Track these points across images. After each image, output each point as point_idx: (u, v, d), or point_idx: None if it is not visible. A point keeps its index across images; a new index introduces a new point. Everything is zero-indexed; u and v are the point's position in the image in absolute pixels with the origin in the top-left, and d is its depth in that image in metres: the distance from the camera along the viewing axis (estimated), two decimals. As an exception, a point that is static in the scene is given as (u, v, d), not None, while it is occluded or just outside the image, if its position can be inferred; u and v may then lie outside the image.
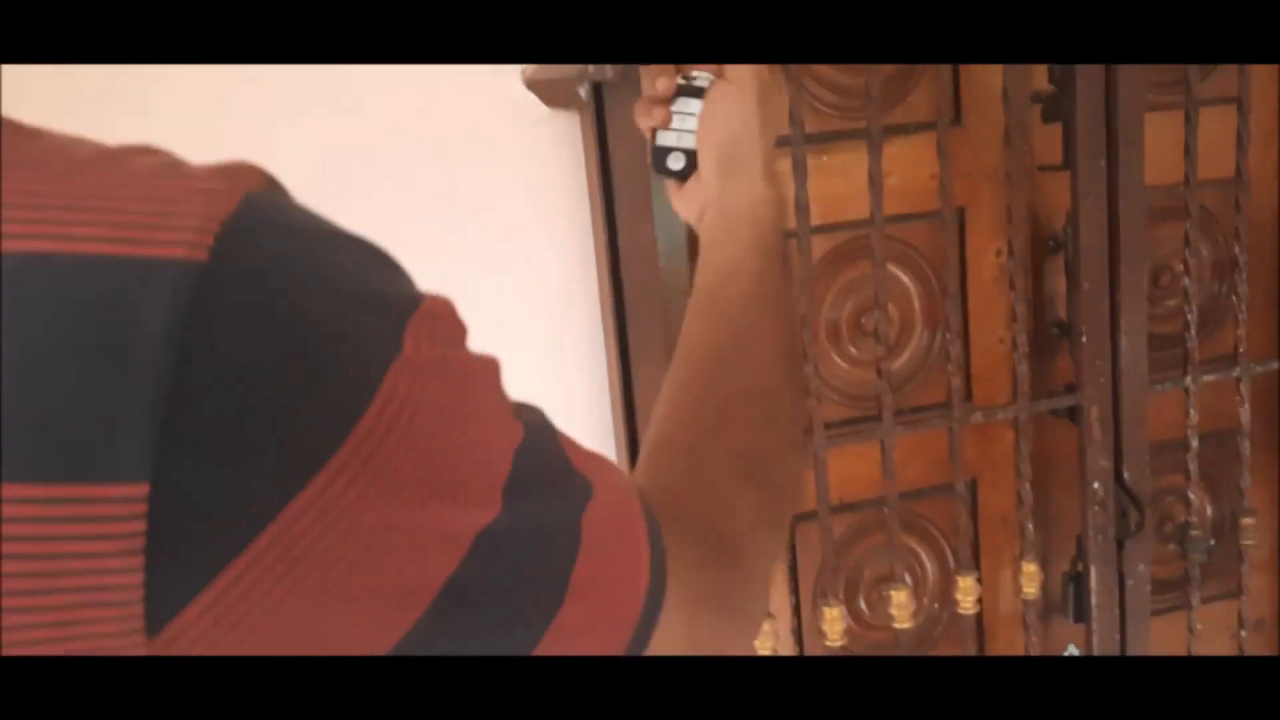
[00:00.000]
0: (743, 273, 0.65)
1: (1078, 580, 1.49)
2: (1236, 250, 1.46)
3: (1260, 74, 1.61)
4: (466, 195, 1.32)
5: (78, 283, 0.28)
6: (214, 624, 0.30)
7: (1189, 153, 1.42)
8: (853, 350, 1.54)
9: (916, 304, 1.55)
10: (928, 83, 1.50)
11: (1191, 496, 1.49)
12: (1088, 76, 1.35)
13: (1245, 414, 1.49)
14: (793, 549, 1.55)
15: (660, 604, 0.42)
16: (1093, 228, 1.38)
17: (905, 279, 1.54)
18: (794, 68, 1.26)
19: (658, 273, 1.25)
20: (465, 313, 0.39)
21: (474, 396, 0.38)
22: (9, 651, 0.28)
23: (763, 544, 0.51)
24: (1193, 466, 1.48)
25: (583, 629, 0.40)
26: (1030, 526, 1.43)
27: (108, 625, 0.29)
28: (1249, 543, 1.53)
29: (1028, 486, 1.41)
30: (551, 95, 1.28)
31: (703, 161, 0.79)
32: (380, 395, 0.32)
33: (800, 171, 1.27)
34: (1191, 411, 1.47)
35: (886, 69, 1.47)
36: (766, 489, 0.53)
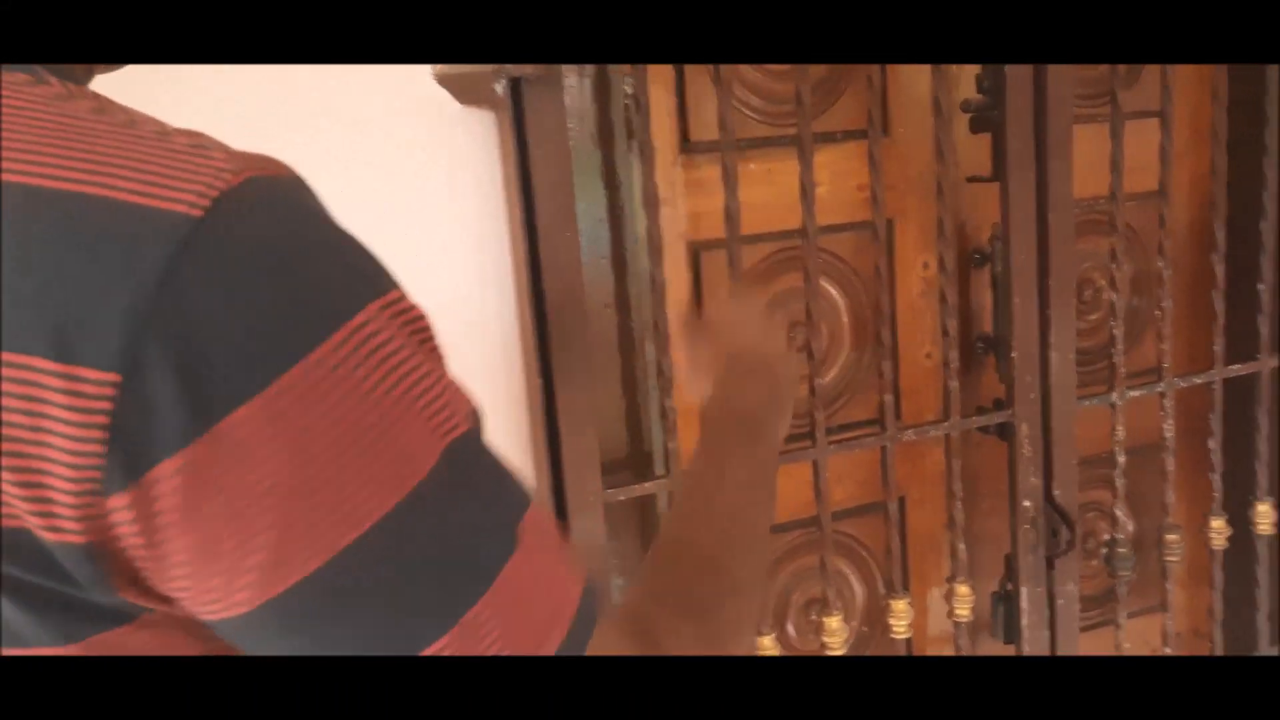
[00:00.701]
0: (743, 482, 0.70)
1: (1008, 600, 1.46)
2: (1161, 265, 1.45)
3: (1178, 87, 1.62)
4: (370, 199, 1.21)
5: (102, 215, 0.37)
6: (153, 503, 0.37)
7: (1115, 166, 1.40)
8: (779, 366, 1.49)
9: (844, 318, 1.51)
10: (855, 90, 1.45)
11: (1119, 513, 1.47)
12: (1017, 85, 1.32)
13: (1170, 428, 1.48)
14: (719, 575, 1.49)
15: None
16: (1023, 241, 1.35)
17: (833, 292, 1.49)
18: (725, 73, 1.20)
19: (581, 285, 1.17)
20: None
21: (433, 366, 0.43)
22: None
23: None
24: (1120, 483, 1.46)
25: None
26: (962, 546, 1.39)
27: (67, 484, 0.36)
28: (1173, 558, 1.52)
29: (959, 506, 1.37)
30: (465, 91, 1.20)
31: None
32: (345, 328, 0.39)
33: (731, 179, 1.21)
34: (1118, 427, 1.45)
35: (815, 74, 1.42)
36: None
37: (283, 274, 0.39)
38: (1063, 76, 1.33)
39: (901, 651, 1.43)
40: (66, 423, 0.36)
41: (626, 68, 1.26)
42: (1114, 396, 1.44)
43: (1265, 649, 1.61)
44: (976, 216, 1.53)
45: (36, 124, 0.39)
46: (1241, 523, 1.55)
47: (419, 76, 1.18)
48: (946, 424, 1.35)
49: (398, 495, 0.40)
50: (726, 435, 0.74)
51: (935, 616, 1.61)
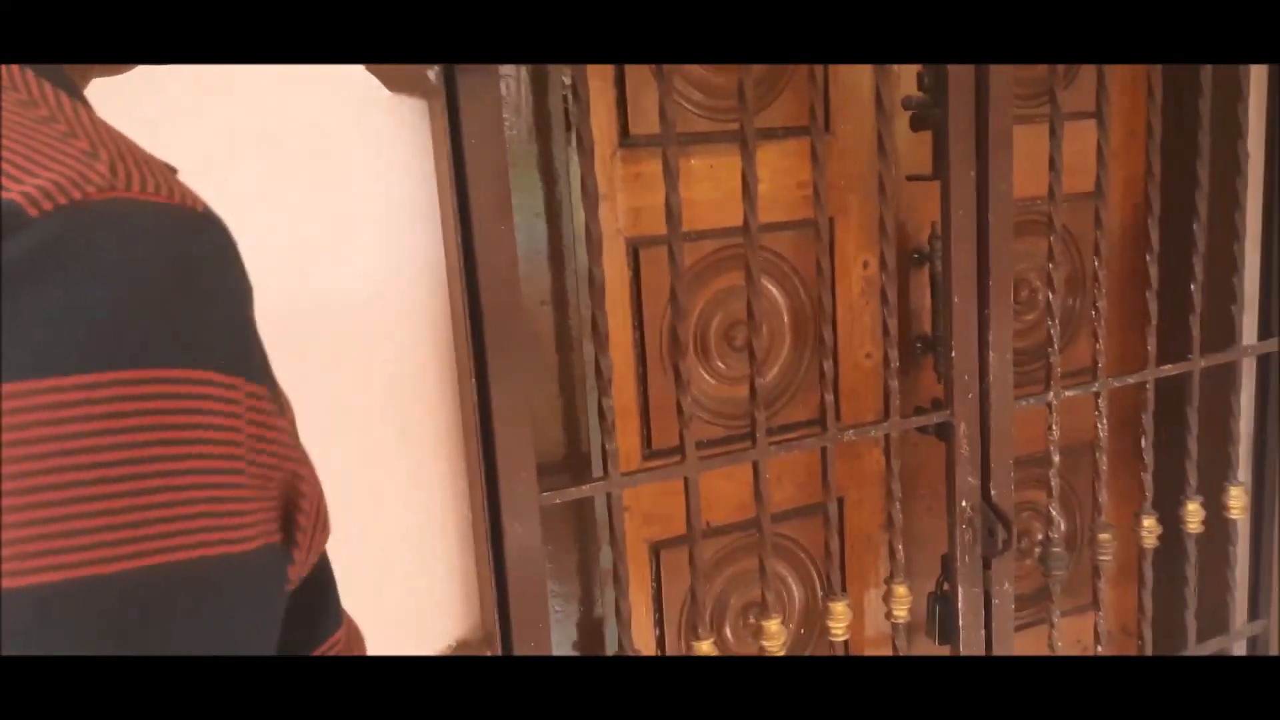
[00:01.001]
0: None
1: (944, 601, 1.45)
2: (1096, 265, 1.45)
3: (1113, 88, 1.63)
4: (295, 189, 1.16)
5: None
6: None
7: (1054, 165, 1.40)
8: (720, 366, 1.46)
9: (785, 317, 1.49)
10: (795, 86, 1.43)
11: (1053, 513, 1.47)
12: (958, 84, 1.31)
13: (1103, 428, 1.49)
14: (657, 579, 1.46)
15: None
16: (963, 240, 1.34)
17: (773, 291, 1.47)
18: (667, 68, 1.16)
19: (517, 281, 1.13)
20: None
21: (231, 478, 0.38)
22: None
23: None
24: (1055, 482, 1.47)
25: None
26: (900, 547, 1.38)
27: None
28: (1105, 557, 1.53)
29: (898, 506, 1.36)
30: (395, 78, 1.15)
31: None
32: (121, 373, 0.34)
33: (672, 174, 1.17)
34: (1054, 427, 1.45)
35: (756, 69, 1.40)
36: None
37: (84, 287, 0.34)
38: (1004, 75, 1.32)
39: (840, 654, 1.42)
40: None
41: (565, 57, 1.22)
42: (1050, 396, 1.44)
43: (1193, 646, 1.63)
44: (916, 216, 1.52)
45: None
46: (1171, 521, 1.57)
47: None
48: (886, 424, 1.34)
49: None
50: None
51: (873, 618, 1.61)
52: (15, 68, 0.40)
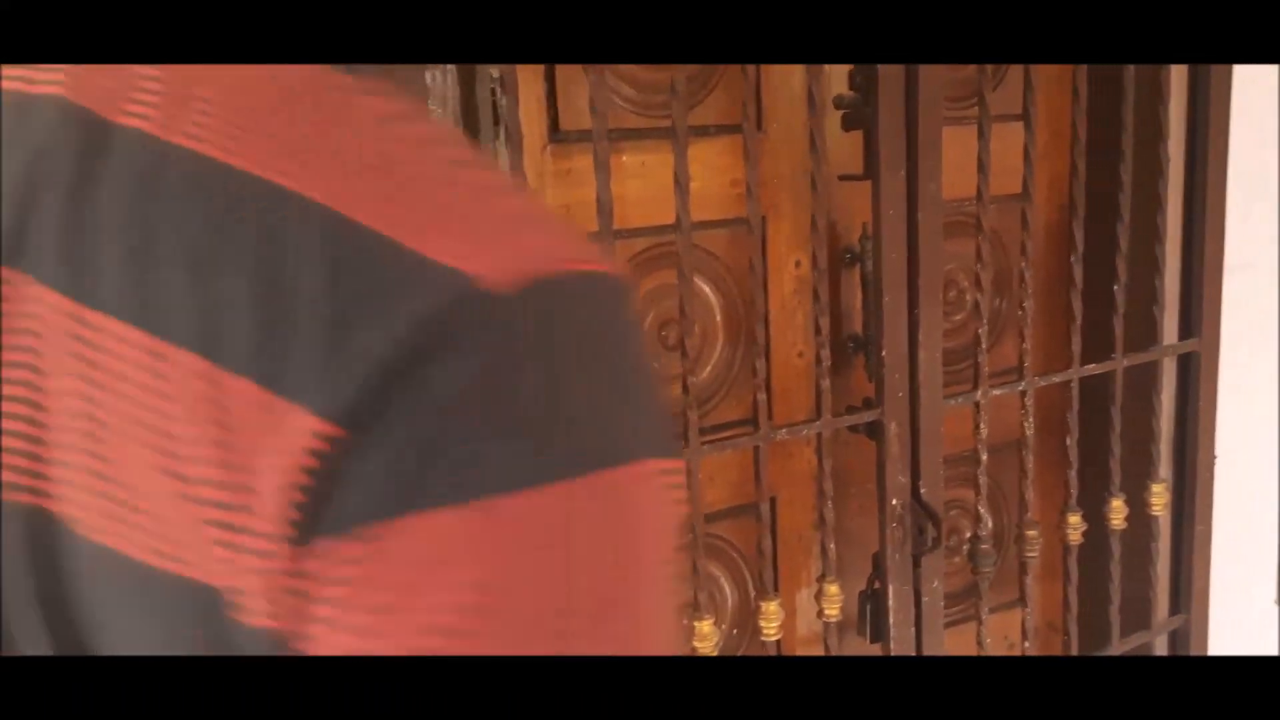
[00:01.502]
0: None
1: (875, 599, 1.46)
2: (1023, 266, 1.47)
3: (1039, 89, 1.65)
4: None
5: (376, 253, 0.31)
6: (320, 571, 0.30)
7: (982, 166, 1.41)
8: (654, 365, 1.45)
9: (718, 316, 1.48)
10: (727, 84, 1.43)
11: (981, 511, 1.49)
12: (889, 84, 1.32)
13: (1030, 427, 1.51)
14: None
15: None
16: (894, 239, 1.35)
17: (706, 289, 1.47)
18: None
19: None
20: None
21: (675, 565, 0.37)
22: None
23: None
24: (983, 480, 1.48)
25: None
26: (832, 546, 1.38)
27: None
28: (1032, 554, 1.55)
29: (830, 505, 1.36)
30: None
31: None
32: (600, 475, 0.32)
33: (603, 170, 1.16)
34: (981, 425, 1.46)
35: (690, 65, 1.39)
36: None
37: (565, 385, 0.32)
38: (934, 77, 1.33)
39: (772, 654, 1.41)
40: (282, 472, 0.30)
41: (494, 51, 1.20)
42: (978, 395, 1.45)
43: (1117, 641, 1.66)
44: (847, 215, 1.52)
45: (358, 146, 0.34)
46: (1096, 518, 1.60)
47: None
48: (818, 423, 1.34)
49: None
50: None
51: (805, 617, 1.61)
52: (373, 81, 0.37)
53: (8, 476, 0.32)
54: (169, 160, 0.33)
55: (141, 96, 0.34)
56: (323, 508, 0.30)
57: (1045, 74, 1.64)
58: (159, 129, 0.33)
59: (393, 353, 0.30)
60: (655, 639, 0.35)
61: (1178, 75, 1.60)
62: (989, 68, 1.39)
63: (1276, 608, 1.96)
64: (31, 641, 0.33)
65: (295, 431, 0.30)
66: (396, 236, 0.31)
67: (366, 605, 0.30)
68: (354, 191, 0.32)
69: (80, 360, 0.31)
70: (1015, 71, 1.59)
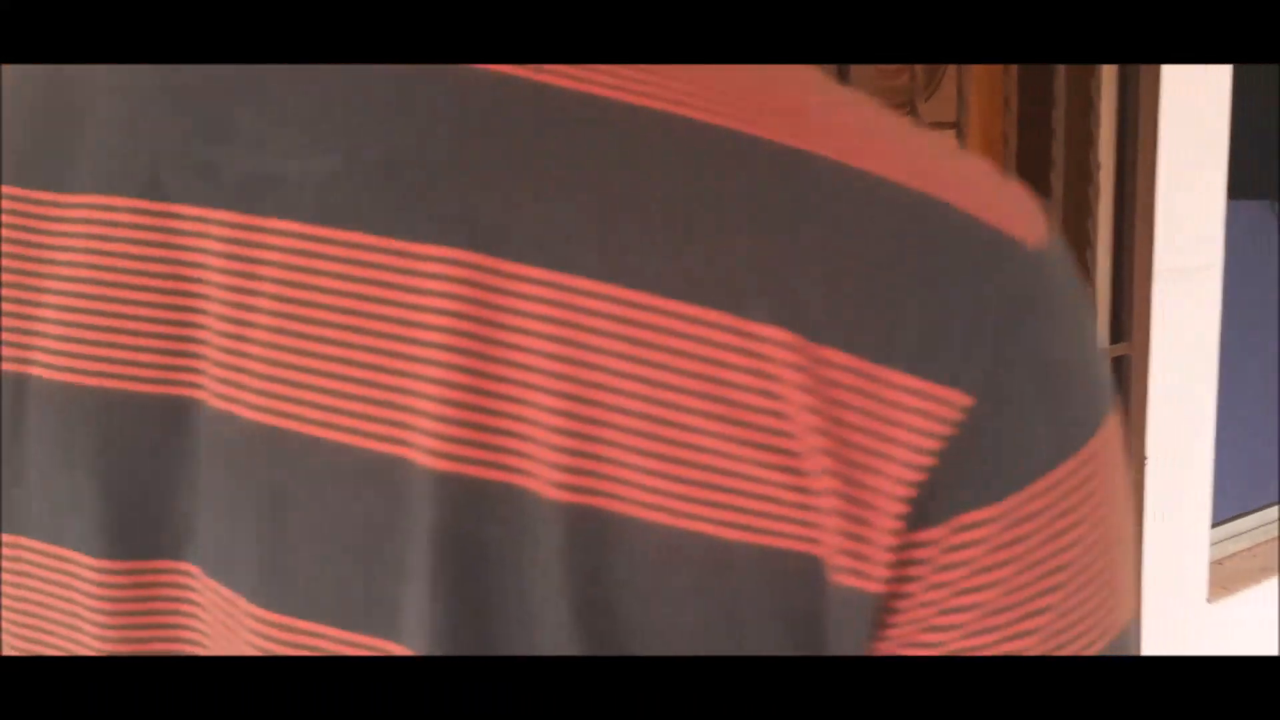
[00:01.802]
0: None
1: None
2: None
3: (973, 98, 1.68)
4: None
5: (952, 223, 0.31)
6: (952, 550, 0.31)
7: (915, 173, 1.44)
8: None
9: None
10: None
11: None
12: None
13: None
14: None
15: None
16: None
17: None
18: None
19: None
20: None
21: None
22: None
23: None
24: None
25: None
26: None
27: (887, 518, 0.30)
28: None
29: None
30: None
31: None
32: (1108, 419, 0.34)
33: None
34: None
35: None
36: None
37: (1089, 331, 0.35)
38: (863, 87, 1.35)
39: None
40: (906, 446, 0.30)
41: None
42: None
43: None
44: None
45: (833, 102, 0.34)
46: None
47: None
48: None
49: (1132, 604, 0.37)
50: None
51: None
52: None
53: (563, 477, 0.30)
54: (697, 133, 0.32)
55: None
56: (950, 476, 0.30)
57: (978, 84, 1.68)
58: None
59: (994, 318, 0.30)
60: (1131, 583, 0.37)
61: (1108, 82, 1.64)
62: (921, 78, 1.42)
63: (1207, 606, 2.02)
64: (559, 649, 0.33)
65: (915, 397, 0.30)
66: (939, 196, 0.31)
67: (986, 580, 0.32)
68: (878, 153, 0.32)
69: (633, 343, 0.30)
70: (949, 81, 1.62)
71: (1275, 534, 2.37)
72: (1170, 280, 1.78)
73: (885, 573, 0.31)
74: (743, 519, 0.31)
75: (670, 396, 0.30)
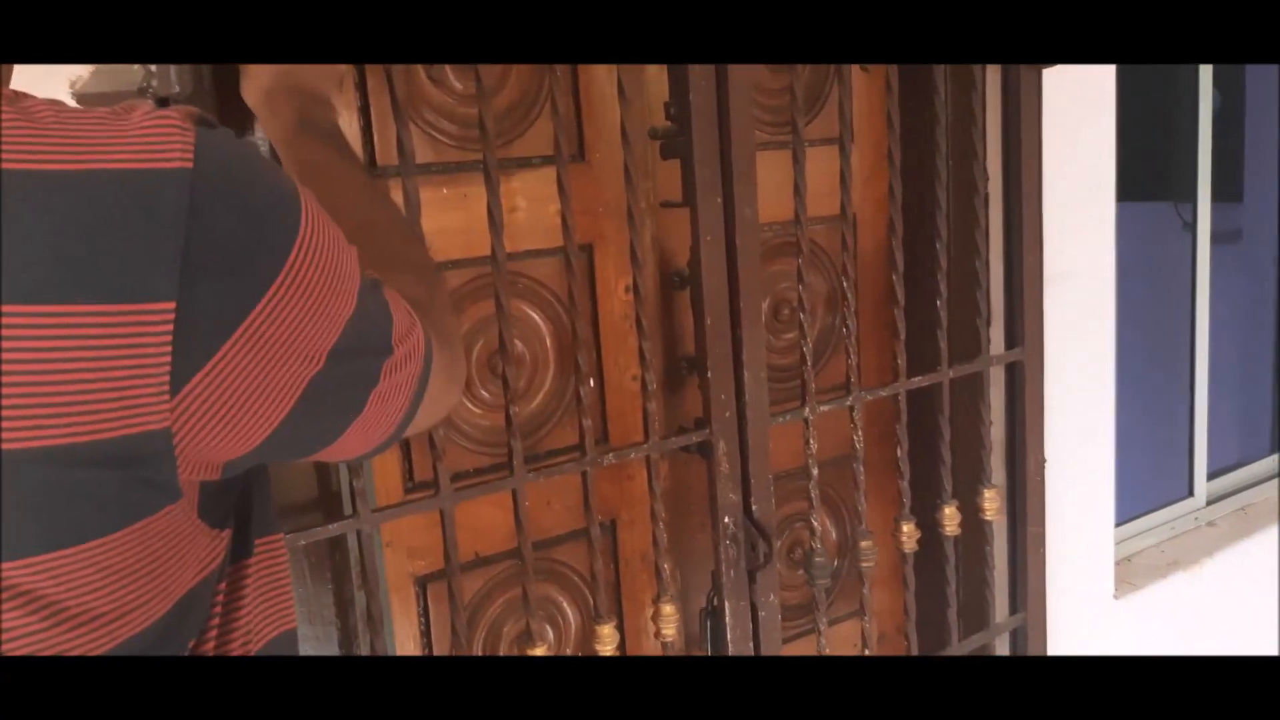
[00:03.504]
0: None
1: (713, 616, 1.49)
2: (845, 285, 1.52)
3: (859, 117, 1.71)
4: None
5: (124, 182, 0.48)
6: (209, 388, 0.51)
7: (798, 191, 1.46)
8: (484, 394, 1.46)
9: (549, 342, 1.50)
10: (549, 115, 1.45)
11: (814, 523, 1.53)
12: (702, 114, 1.35)
13: (859, 440, 1.56)
14: (424, 612, 1.44)
15: (431, 360, 0.67)
16: (713, 264, 1.38)
17: (536, 317, 1.49)
18: (403, 98, 1.16)
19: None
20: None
21: (344, 265, 0.58)
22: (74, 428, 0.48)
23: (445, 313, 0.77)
24: (814, 493, 1.52)
25: (392, 390, 0.63)
26: (667, 567, 1.40)
27: (147, 393, 0.49)
28: (868, 563, 1.59)
29: (662, 527, 1.39)
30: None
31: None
32: (299, 239, 0.54)
33: (413, 207, 1.17)
34: (811, 441, 1.51)
35: (506, 99, 1.41)
36: (429, 285, 0.76)
37: (262, 186, 0.53)
38: (745, 105, 1.37)
39: (613, 675, 1.43)
40: (144, 346, 0.48)
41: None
42: (805, 411, 1.50)
43: (957, 643, 1.72)
44: (677, 238, 1.56)
45: (17, 120, 0.48)
46: (930, 525, 1.65)
47: (55, 91, 1.09)
48: (646, 445, 1.37)
49: (350, 307, 0.57)
50: (322, 149, 0.85)
51: (650, 638, 1.63)
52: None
53: None
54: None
55: None
56: (181, 353, 0.50)
57: (861, 101, 1.71)
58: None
59: (169, 235, 0.48)
60: None
61: (992, 93, 1.68)
62: (800, 99, 1.44)
63: (1114, 603, 2.05)
64: None
65: (129, 316, 0.48)
66: (95, 167, 0.48)
67: (238, 389, 0.53)
68: (56, 154, 0.48)
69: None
70: (832, 100, 1.65)
71: (1188, 526, 2.43)
72: (1062, 285, 1.82)
73: (159, 418, 0.49)
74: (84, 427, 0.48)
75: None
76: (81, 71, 1.03)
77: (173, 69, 0.99)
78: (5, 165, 0.46)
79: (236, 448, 0.54)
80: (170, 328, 0.48)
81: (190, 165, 0.48)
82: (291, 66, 0.89)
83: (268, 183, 0.53)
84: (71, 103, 1.09)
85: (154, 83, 0.99)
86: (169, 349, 0.48)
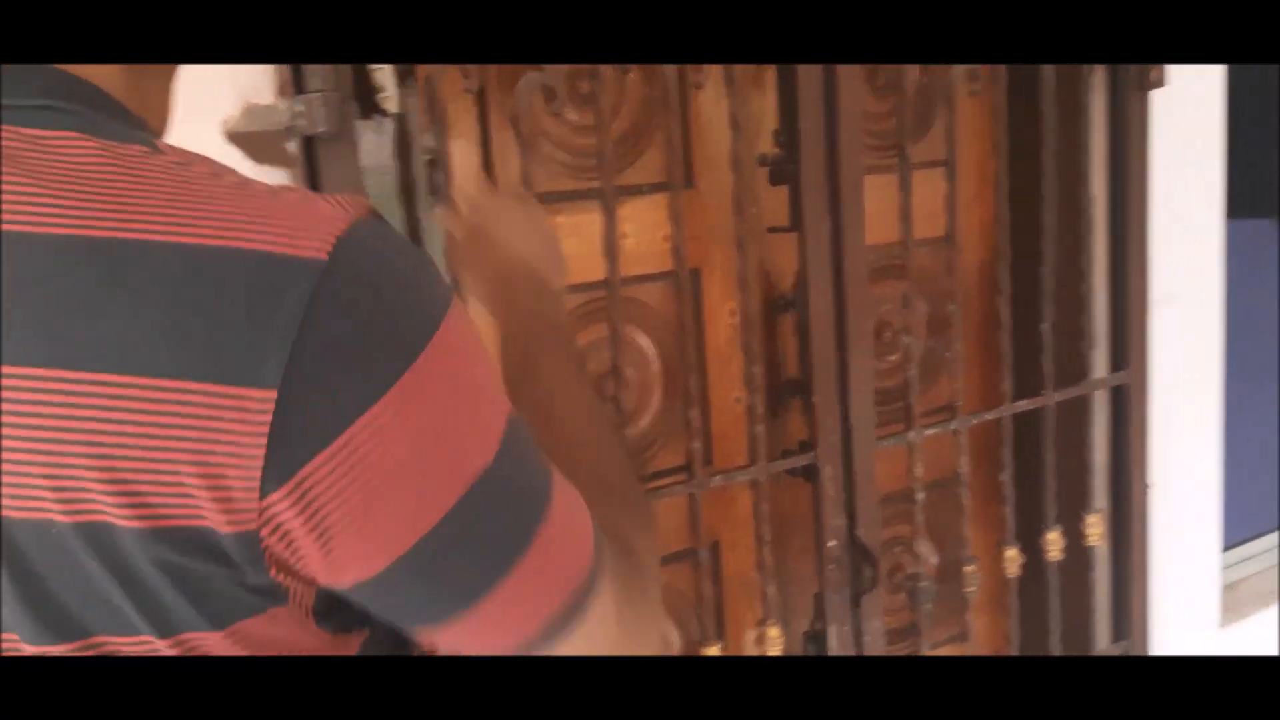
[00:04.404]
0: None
1: (818, 640, 1.50)
2: (951, 309, 1.52)
3: (965, 138, 1.71)
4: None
5: (257, 263, 0.45)
6: (310, 490, 0.46)
7: (904, 215, 1.47)
8: (591, 416, 1.49)
9: (655, 366, 1.53)
10: (659, 144, 1.48)
11: (919, 548, 1.53)
12: (810, 140, 1.37)
13: (964, 464, 1.56)
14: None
15: (597, 581, 0.56)
16: (820, 288, 1.40)
17: (642, 341, 1.51)
18: (525, 129, 1.20)
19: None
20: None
21: (487, 364, 0.54)
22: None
23: (647, 543, 0.65)
24: (919, 519, 1.52)
25: (536, 575, 0.53)
26: (772, 589, 1.42)
27: (241, 485, 0.45)
28: (970, 588, 1.59)
29: (768, 550, 1.40)
30: (257, 149, 1.16)
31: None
32: (440, 332, 0.49)
33: (532, 234, 1.21)
34: (916, 465, 1.51)
35: (618, 129, 1.44)
36: (632, 504, 0.67)
37: (391, 297, 0.48)
38: (853, 130, 1.38)
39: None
40: (239, 434, 0.45)
41: (425, 123, 1.25)
42: (911, 436, 1.50)
43: (1059, 668, 1.70)
44: (782, 262, 1.58)
45: (168, 189, 0.47)
46: (1033, 550, 1.64)
47: (207, 133, 1.15)
48: (753, 469, 1.38)
49: (486, 458, 0.51)
50: (553, 355, 0.79)
51: (752, 656, 1.64)
52: (155, 143, 0.51)
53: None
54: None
55: None
56: (276, 448, 0.45)
57: (966, 125, 1.71)
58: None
59: (284, 323, 0.45)
60: None
61: (1098, 113, 1.66)
62: (908, 121, 1.45)
63: (1219, 631, 2.01)
64: None
65: (224, 399, 0.45)
66: (234, 245, 0.46)
67: (338, 500, 0.47)
68: (193, 225, 0.47)
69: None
70: (939, 122, 1.65)
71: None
72: (1167, 307, 1.80)
73: (248, 519, 0.46)
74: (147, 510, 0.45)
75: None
76: (231, 111, 1.08)
77: (320, 108, 1.03)
78: (147, 237, 0.45)
79: (330, 576, 0.49)
80: (269, 418, 0.44)
81: (324, 257, 0.46)
82: (519, 251, 0.86)
83: (401, 288, 0.49)
84: (221, 141, 1.16)
85: (301, 121, 1.04)
86: (264, 442, 0.45)
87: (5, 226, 0.45)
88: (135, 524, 0.45)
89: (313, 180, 1.13)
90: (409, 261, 0.51)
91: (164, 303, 0.44)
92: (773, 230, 1.52)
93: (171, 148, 0.51)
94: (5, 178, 0.46)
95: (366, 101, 1.15)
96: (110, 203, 0.46)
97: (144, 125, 0.54)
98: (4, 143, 0.48)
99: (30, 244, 0.45)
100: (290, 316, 0.45)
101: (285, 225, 0.46)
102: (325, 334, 0.45)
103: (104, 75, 0.52)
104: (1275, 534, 2.35)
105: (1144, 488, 1.75)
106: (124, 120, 0.52)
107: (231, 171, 0.50)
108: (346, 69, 1.12)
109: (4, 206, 0.46)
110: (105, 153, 0.48)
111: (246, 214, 0.47)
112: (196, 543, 0.46)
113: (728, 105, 1.33)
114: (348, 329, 0.46)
